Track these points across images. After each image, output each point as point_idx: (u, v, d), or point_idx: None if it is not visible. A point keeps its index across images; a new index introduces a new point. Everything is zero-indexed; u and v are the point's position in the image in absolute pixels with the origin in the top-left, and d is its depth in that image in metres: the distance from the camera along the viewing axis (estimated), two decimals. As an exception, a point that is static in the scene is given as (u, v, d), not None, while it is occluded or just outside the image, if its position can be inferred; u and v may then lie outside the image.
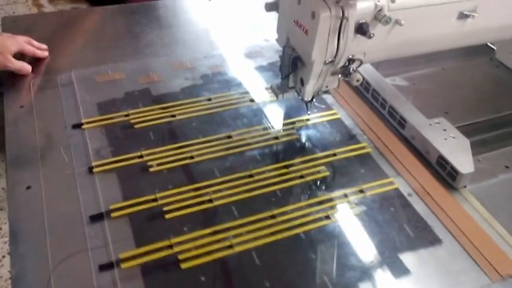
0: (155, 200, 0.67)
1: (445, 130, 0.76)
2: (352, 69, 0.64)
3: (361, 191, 0.71)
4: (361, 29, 0.60)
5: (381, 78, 0.89)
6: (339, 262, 0.61)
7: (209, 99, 0.87)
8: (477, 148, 0.78)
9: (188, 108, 0.84)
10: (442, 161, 0.73)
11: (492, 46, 1.05)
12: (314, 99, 0.73)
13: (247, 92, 0.89)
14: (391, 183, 0.72)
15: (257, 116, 0.84)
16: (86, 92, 0.86)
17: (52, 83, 0.88)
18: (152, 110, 0.83)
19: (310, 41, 0.61)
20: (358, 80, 0.64)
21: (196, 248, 0.61)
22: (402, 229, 0.66)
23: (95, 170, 0.71)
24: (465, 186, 0.71)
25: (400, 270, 0.61)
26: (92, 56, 0.97)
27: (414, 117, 0.79)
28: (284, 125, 0.82)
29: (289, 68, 0.68)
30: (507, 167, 0.78)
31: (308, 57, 0.63)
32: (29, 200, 0.67)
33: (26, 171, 0.71)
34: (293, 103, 0.86)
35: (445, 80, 0.98)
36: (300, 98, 0.72)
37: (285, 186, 0.71)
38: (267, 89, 0.90)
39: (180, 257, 0.60)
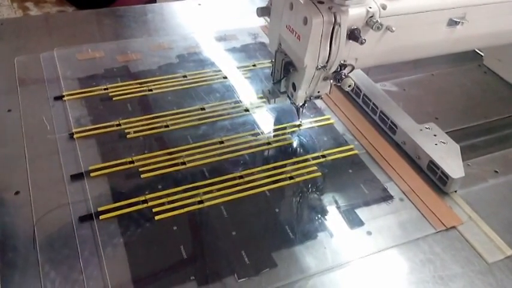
0: (132, 162, 0.73)
1: (435, 135, 0.77)
2: (344, 75, 0.65)
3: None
4: (353, 35, 0.61)
5: (371, 83, 0.89)
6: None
7: (184, 76, 0.92)
8: (467, 153, 0.78)
9: (164, 83, 0.90)
10: (433, 166, 0.73)
11: (480, 52, 1.07)
12: (306, 104, 0.73)
13: (220, 70, 0.95)
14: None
15: (229, 91, 0.90)
16: (68, 68, 0.91)
17: (35, 60, 0.92)
18: (130, 84, 0.88)
19: (303, 47, 0.61)
20: (350, 86, 0.65)
21: (169, 202, 0.67)
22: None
23: (75, 135, 0.76)
24: (456, 191, 0.72)
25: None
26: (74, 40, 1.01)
27: (405, 122, 0.80)
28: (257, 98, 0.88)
29: (281, 73, 0.68)
30: (496, 171, 0.78)
31: (300, 62, 0.63)
32: (13, 161, 0.71)
33: (9, 138, 0.75)
34: (263, 80, 0.93)
35: (434, 86, 0.99)
36: (292, 102, 0.73)
37: (255, 151, 0.76)
38: (238, 68, 0.96)
39: (154, 210, 0.66)
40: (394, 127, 0.81)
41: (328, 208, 0.69)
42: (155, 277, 0.58)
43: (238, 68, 0.96)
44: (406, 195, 0.72)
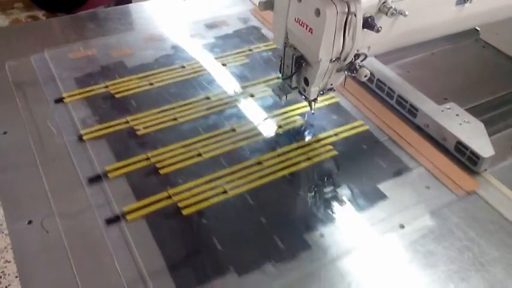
0: (148, 158, 0.72)
1: (457, 115, 0.76)
2: (358, 65, 0.63)
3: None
4: (368, 23, 0.59)
5: (383, 67, 0.87)
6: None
7: (183, 67, 0.91)
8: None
9: (164, 76, 0.88)
10: (461, 147, 0.72)
11: (476, 27, 1.05)
12: (318, 98, 0.70)
13: (217, 58, 0.94)
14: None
15: (230, 78, 0.89)
16: (62, 68, 0.88)
17: (27, 63, 0.89)
18: (130, 80, 0.87)
19: (316, 40, 0.59)
20: (366, 76, 0.63)
21: (194, 195, 0.66)
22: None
23: (84, 137, 0.74)
24: (486, 170, 0.72)
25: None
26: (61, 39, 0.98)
27: (425, 104, 0.78)
28: (259, 83, 0.87)
29: (292, 68, 0.65)
30: None
31: (313, 56, 0.61)
32: (26, 169, 0.69)
33: (16, 147, 0.73)
34: (262, 64, 0.92)
35: (437, 65, 0.97)
36: (304, 97, 0.70)
37: (269, 136, 0.76)
38: (235, 54, 0.95)
39: (180, 204, 0.65)
40: (414, 110, 0.79)
41: (351, 185, 0.69)
42: (194, 272, 0.58)
43: (234, 54, 0.95)
44: (438, 179, 0.71)
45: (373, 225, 0.64)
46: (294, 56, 0.64)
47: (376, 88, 0.86)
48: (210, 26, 1.05)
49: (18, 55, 0.92)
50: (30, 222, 0.63)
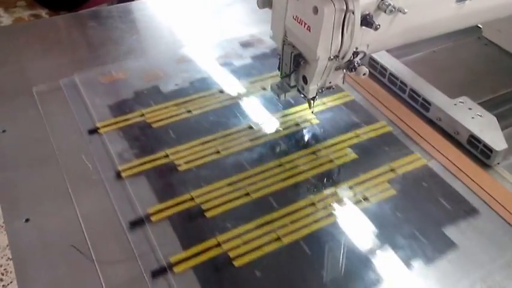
0: (192, 199, 0.66)
1: (470, 109, 0.77)
2: (357, 63, 0.62)
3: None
4: (366, 21, 0.58)
5: (396, 61, 0.88)
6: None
7: (221, 91, 0.85)
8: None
9: (202, 102, 0.83)
10: (474, 140, 0.73)
11: (479, 25, 1.04)
12: (317, 96, 0.69)
13: (256, 81, 0.88)
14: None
15: (273, 104, 0.83)
16: (94, 94, 0.83)
17: (56, 88, 0.84)
18: (166, 107, 0.81)
19: (314, 38, 0.58)
20: (364, 74, 0.62)
21: (245, 243, 0.61)
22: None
23: (122, 174, 0.69)
24: (498, 163, 0.72)
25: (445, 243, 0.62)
26: (88, 59, 0.94)
27: (438, 98, 0.79)
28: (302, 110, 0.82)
29: (291, 66, 0.65)
30: None
31: (312, 54, 0.60)
32: (61, 210, 0.64)
33: (50, 182, 0.68)
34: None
35: (439, 63, 0.97)
36: (303, 96, 0.69)
37: (318, 172, 0.71)
38: (274, 76, 0.89)
39: (231, 254, 0.60)
40: (426, 104, 0.80)
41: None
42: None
43: (274, 76, 0.89)
44: (450, 172, 0.72)
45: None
46: (293, 54, 0.64)
47: (389, 82, 0.87)
48: (245, 44, 0.99)
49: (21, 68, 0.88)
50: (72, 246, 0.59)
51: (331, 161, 0.73)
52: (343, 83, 0.67)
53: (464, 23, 0.74)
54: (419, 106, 0.82)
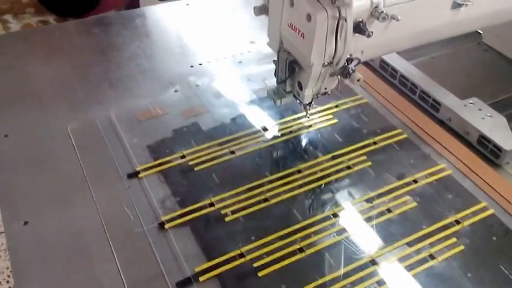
0: (242, 255, 0.62)
1: (480, 110, 0.79)
2: (351, 69, 0.62)
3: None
4: (359, 28, 0.58)
5: (406, 63, 0.90)
6: None
7: (265, 129, 0.81)
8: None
9: (246, 142, 0.78)
10: (484, 140, 0.75)
11: (479, 30, 1.04)
12: (313, 102, 0.69)
13: (301, 117, 0.83)
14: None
15: (318, 142, 0.78)
16: (132, 134, 0.79)
17: (92, 126, 0.80)
18: (208, 147, 0.77)
19: (308, 45, 0.59)
20: (358, 80, 0.62)
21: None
22: None
23: (166, 225, 0.65)
24: (508, 163, 0.74)
25: None
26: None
27: (448, 99, 0.81)
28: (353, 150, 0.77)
29: (286, 72, 0.65)
30: None
31: (306, 60, 0.61)
32: (101, 264, 0.60)
33: (88, 231, 0.64)
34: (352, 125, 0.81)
35: (437, 69, 0.96)
36: (299, 102, 0.69)
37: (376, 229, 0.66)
38: (321, 111, 0.84)
39: (289, 322, 0.54)
40: (437, 105, 0.82)
41: None
42: None
43: (319, 112, 0.84)
44: (462, 172, 0.73)
45: None
46: (288, 61, 0.64)
47: (399, 84, 0.89)
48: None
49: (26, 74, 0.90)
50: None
51: (389, 209, 0.68)
52: (337, 89, 0.68)
53: (460, 30, 0.73)
54: (430, 107, 0.84)
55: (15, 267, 0.60)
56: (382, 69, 0.93)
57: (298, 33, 0.60)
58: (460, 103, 0.80)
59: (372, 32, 0.58)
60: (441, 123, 0.82)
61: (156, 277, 0.59)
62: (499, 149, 0.73)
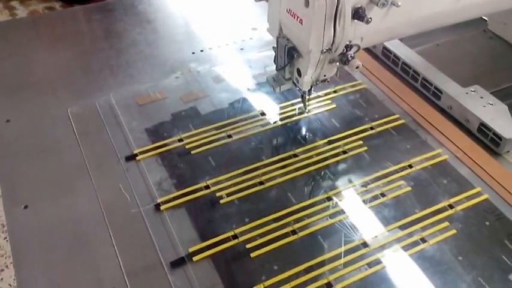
0: (235, 236, 0.62)
1: (482, 98, 0.78)
2: (351, 56, 0.62)
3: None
4: (358, 14, 0.58)
5: (408, 50, 0.89)
6: None
7: (263, 114, 0.81)
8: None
9: (243, 126, 0.79)
10: (484, 128, 0.74)
11: (484, 17, 1.02)
12: (312, 89, 0.69)
13: (299, 102, 0.84)
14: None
15: (315, 127, 0.79)
16: (131, 117, 0.80)
17: (91, 109, 0.81)
18: (205, 131, 0.78)
19: (306, 31, 0.59)
20: (357, 67, 0.61)
21: (293, 289, 0.57)
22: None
23: (162, 207, 0.66)
24: (508, 151, 0.73)
25: None
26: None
27: (450, 86, 0.80)
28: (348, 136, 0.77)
29: (285, 59, 0.65)
30: None
31: (304, 47, 0.61)
32: (97, 244, 0.62)
33: (87, 214, 0.65)
34: (350, 109, 0.82)
35: (441, 56, 0.94)
36: (298, 89, 0.69)
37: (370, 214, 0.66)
38: (319, 96, 0.84)
39: (281, 298, 0.55)
40: (438, 92, 0.81)
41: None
42: None
43: (319, 96, 0.85)
44: (460, 160, 0.73)
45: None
46: (286, 47, 0.64)
47: (401, 71, 0.89)
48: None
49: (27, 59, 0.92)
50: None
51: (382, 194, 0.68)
52: (337, 75, 0.67)
53: (462, 16, 0.72)
54: (431, 95, 0.83)
55: (15, 249, 0.61)
56: (384, 56, 0.93)
57: (297, 19, 0.60)
58: (462, 91, 0.79)
59: (371, 18, 0.57)
60: (442, 111, 0.81)
61: (151, 257, 0.60)
62: (499, 137, 0.72)
